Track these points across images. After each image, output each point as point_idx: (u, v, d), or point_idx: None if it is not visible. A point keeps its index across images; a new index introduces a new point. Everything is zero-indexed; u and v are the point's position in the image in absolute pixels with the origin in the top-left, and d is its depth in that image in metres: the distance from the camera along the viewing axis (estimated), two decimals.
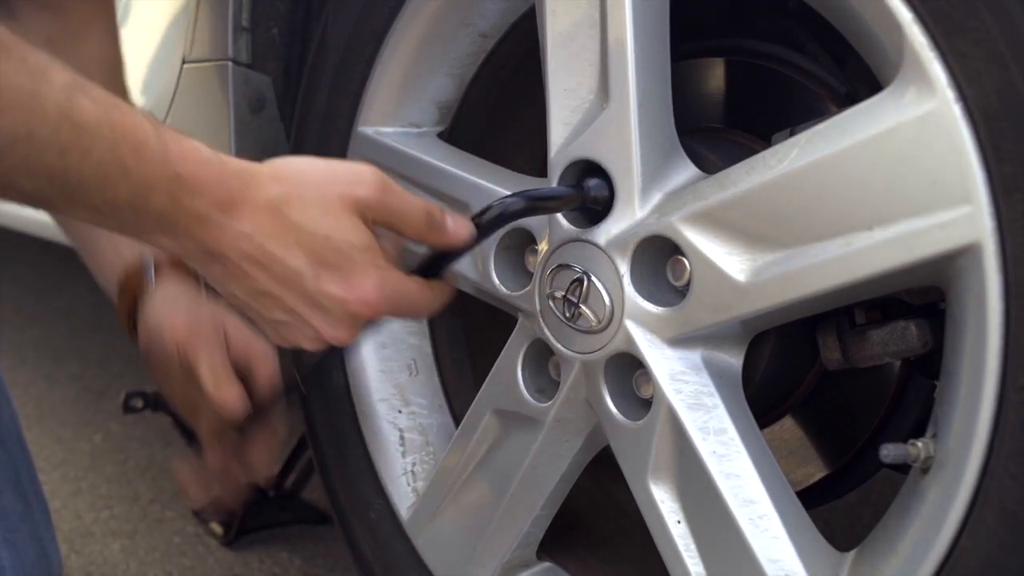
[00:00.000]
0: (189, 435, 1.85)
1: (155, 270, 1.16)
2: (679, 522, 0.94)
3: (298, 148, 1.25)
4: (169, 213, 0.82)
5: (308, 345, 0.90)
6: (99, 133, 0.77)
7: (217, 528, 1.88)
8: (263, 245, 0.84)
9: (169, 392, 1.15)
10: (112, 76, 1.23)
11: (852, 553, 0.89)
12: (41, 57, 0.76)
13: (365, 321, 0.88)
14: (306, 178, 0.87)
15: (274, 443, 1.13)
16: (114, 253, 1.19)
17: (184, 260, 0.90)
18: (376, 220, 0.88)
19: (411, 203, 0.90)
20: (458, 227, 0.91)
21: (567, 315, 0.99)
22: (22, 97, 0.74)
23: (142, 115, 0.81)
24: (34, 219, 1.89)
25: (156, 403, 1.82)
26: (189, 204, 0.82)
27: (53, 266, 3.57)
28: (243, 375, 1.11)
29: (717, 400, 0.92)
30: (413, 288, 0.90)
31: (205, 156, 0.83)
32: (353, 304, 0.86)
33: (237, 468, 1.13)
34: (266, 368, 1.12)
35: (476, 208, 0.95)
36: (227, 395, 1.07)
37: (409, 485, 1.23)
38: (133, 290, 1.17)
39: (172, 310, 1.12)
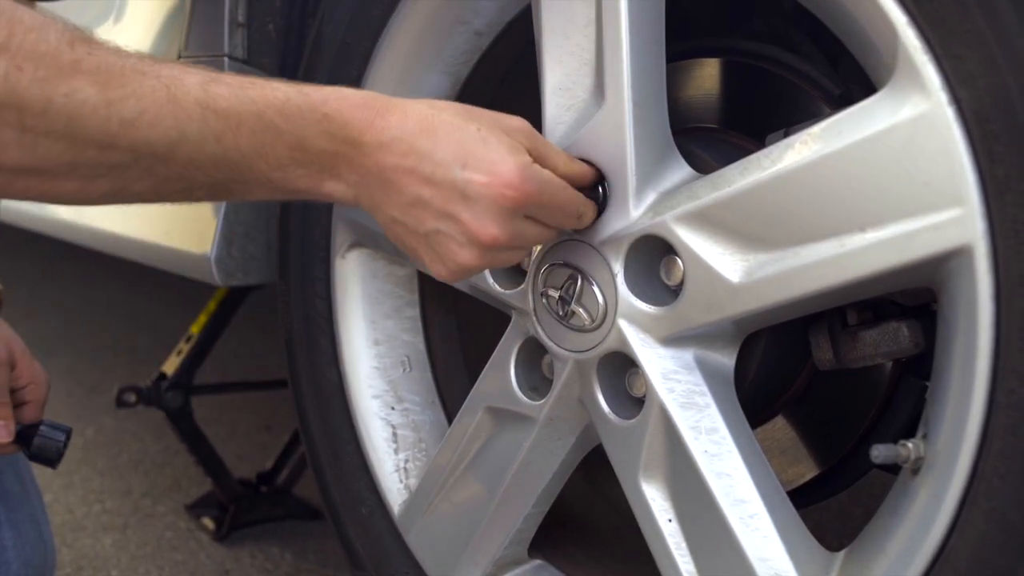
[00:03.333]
0: (182, 431, 1.85)
1: None
2: (670, 520, 0.94)
3: None
4: (328, 152, 0.88)
5: (464, 255, 0.89)
6: (241, 110, 0.85)
7: (209, 523, 1.88)
8: (413, 143, 0.87)
9: None
10: None
11: (842, 553, 0.89)
12: (173, 67, 0.84)
13: (511, 211, 0.87)
14: (451, 103, 0.92)
15: None
16: None
17: (356, 203, 0.93)
18: (529, 151, 0.89)
19: (557, 150, 0.93)
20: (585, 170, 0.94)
21: (560, 313, 0.99)
22: (165, 107, 0.82)
23: (278, 81, 0.88)
24: (25, 212, 1.89)
25: (149, 398, 1.82)
26: (343, 135, 0.87)
27: (45, 259, 3.57)
28: (16, 402, 1.16)
29: (709, 399, 0.92)
30: (559, 183, 0.90)
31: (347, 92, 0.89)
32: (496, 187, 0.86)
33: None
34: (37, 395, 1.18)
35: None
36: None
37: (401, 481, 1.23)
38: None
39: None
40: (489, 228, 0.87)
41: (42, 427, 1.16)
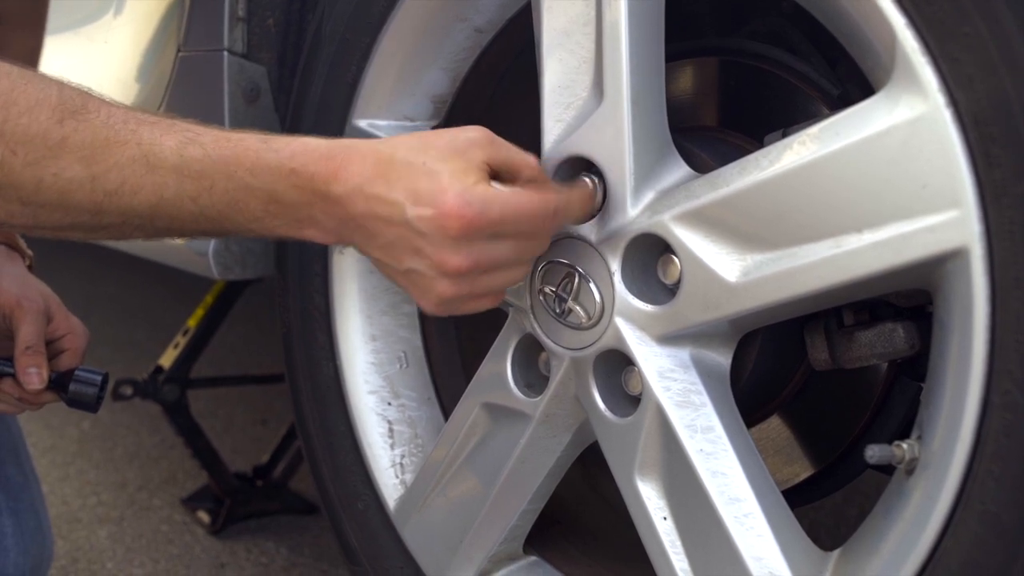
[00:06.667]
0: (178, 425, 1.85)
1: None
2: (665, 519, 0.95)
3: None
4: (301, 203, 0.90)
5: (440, 287, 0.89)
6: (213, 171, 0.89)
7: (204, 517, 1.88)
8: (371, 190, 0.88)
9: None
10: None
11: (836, 552, 0.89)
12: (154, 127, 0.89)
13: (464, 238, 0.86)
14: (410, 135, 0.92)
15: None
16: None
17: (340, 244, 0.95)
18: (488, 162, 0.89)
19: (519, 150, 0.92)
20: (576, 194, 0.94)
21: (557, 311, 0.99)
22: (144, 176, 0.88)
23: (251, 136, 0.91)
24: None
25: (146, 391, 1.83)
26: (311, 188, 0.90)
27: (41, 253, 3.56)
28: (54, 352, 1.19)
29: (705, 398, 0.92)
30: (507, 194, 0.87)
31: (312, 144, 0.91)
32: (439, 218, 0.86)
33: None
34: (75, 345, 1.21)
35: None
36: (31, 362, 1.15)
37: (397, 477, 1.24)
38: None
39: (3, 278, 1.20)
40: (450, 258, 0.87)
41: (77, 372, 1.16)
